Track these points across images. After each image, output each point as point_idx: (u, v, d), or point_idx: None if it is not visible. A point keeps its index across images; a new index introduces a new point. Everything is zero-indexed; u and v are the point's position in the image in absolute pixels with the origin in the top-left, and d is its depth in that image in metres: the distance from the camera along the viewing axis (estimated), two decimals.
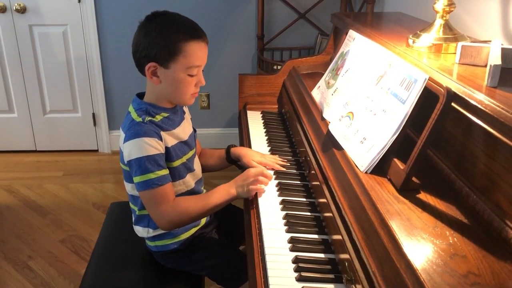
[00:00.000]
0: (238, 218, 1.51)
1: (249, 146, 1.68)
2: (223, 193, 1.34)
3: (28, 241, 2.43)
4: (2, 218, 2.65)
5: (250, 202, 1.33)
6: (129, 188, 1.39)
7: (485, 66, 1.08)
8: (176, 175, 1.37)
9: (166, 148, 1.32)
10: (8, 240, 2.44)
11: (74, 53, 3.19)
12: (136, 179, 1.28)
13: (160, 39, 1.26)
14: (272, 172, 1.45)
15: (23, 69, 3.19)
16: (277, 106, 2.05)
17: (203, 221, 1.50)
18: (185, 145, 1.41)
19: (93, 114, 3.37)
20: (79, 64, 3.22)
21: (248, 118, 1.93)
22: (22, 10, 3.03)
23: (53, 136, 3.41)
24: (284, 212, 1.26)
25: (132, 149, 1.27)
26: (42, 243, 2.42)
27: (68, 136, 3.42)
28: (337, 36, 2.01)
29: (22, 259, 2.29)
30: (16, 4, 3.00)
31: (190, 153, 1.43)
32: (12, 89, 3.25)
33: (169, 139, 1.34)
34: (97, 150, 3.48)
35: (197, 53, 1.29)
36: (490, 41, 1.18)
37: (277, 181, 1.40)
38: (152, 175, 1.27)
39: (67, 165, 3.29)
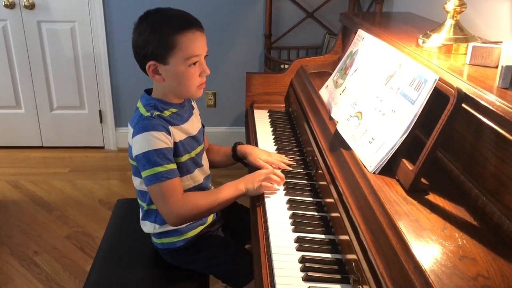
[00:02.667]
0: (244, 217, 1.51)
1: (256, 145, 1.68)
2: (231, 188, 1.34)
3: (34, 236, 2.44)
4: (8, 213, 2.66)
5: (257, 201, 1.33)
6: (138, 183, 1.39)
7: (496, 67, 1.07)
8: (184, 170, 1.37)
9: (174, 143, 1.32)
10: (14, 236, 2.45)
11: (82, 49, 3.19)
12: (145, 173, 1.28)
13: (153, 37, 1.26)
14: (279, 172, 1.45)
15: (30, 65, 3.21)
16: (284, 105, 2.04)
17: (210, 219, 1.50)
18: (194, 140, 1.41)
19: (100, 111, 3.37)
20: (87, 61, 3.22)
21: (255, 117, 1.92)
22: (31, 6, 3.04)
23: (59, 132, 3.42)
24: (291, 212, 1.25)
25: (141, 143, 1.28)
26: (48, 239, 2.42)
27: (74, 133, 3.42)
28: (346, 36, 2.01)
29: (28, 255, 2.30)
30: (24, 0, 3.01)
31: (199, 148, 1.43)
32: (20, 85, 3.27)
33: (178, 134, 1.34)
34: (103, 147, 3.48)
35: (193, 43, 1.28)
36: (501, 42, 1.16)
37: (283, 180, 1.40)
38: (161, 168, 1.27)
39: (74, 161, 3.30)
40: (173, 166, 1.29)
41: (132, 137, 1.30)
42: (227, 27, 3.16)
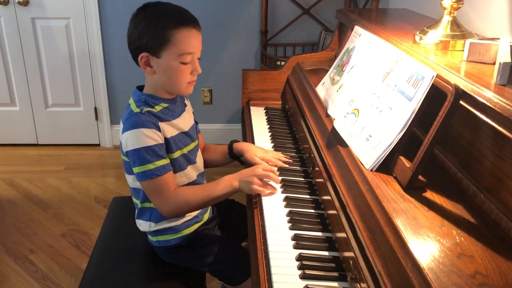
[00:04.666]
0: (240, 215, 1.51)
1: (253, 142, 1.67)
2: (225, 185, 1.33)
3: (29, 235, 2.43)
4: (3, 211, 2.64)
5: (254, 199, 1.32)
6: (130, 181, 1.38)
7: (493, 64, 1.07)
8: (176, 166, 1.36)
9: (166, 139, 1.32)
10: (10, 234, 2.43)
11: (77, 46, 3.17)
12: (135, 169, 1.29)
13: (149, 29, 1.26)
14: (275, 169, 1.44)
15: (25, 63, 3.18)
16: (280, 102, 2.04)
17: (206, 217, 1.49)
18: (187, 136, 1.40)
19: (95, 108, 3.36)
20: (82, 58, 3.20)
21: (252, 114, 1.92)
22: (25, 3, 3.02)
23: (55, 130, 3.40)
24: (288, 209, 1.25)
25: (130, 140, 1.28)
26: (44, 237, 2.41)
27: (70, 130, 3.41)
28: (342, 32, 2.00)
29: (24, 253, 2.29)
30: None
31: (192, 145, 1.43)
32: (14, 82, 3.24)
33: (169, 130, 1.34)
34: (98, 145, 3.47)
35: (188, 40, 1.28)
36: (498, 38, 1.16)
37: (280, 178, 1.39)
38: (151, 166, 1.27)
39: (69, 159, 3.28)
40: (163, 162, 1.29)
41: (122, 133, 1.30)
42: (223, 24, 3.15)
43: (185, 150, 1.39)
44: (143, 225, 1.44)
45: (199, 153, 1.49)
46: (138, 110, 1.30)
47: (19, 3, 3.01)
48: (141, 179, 1.29)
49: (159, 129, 1.29)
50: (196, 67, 1.32)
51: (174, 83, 1.32)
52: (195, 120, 1.51)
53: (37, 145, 3.43)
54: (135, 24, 1.28)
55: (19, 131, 3.38)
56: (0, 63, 3.17)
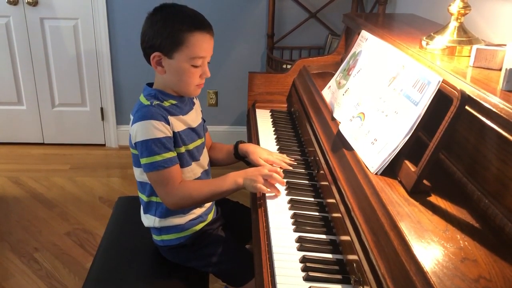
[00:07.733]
0: (244, 216, 1.51)
1: (258, 144, 1.67)
2: (230, 181, 1.35)
3: (34, 233, 2.45)
4: (9, 209, 2.66)
5: (258, 201, 1.33)
6: (138, 174, 1.40)
7: (500, 70, 1.07)
8: (183, 161, 1.38)
9: (174, 133, 1.34)
10: (15, 232, 2.45)
11: (84, 47, 3.20)
12: (143, 160, 1.31)
13: (165, 30, 1.28)
14: (281, 171, 1.44)
15: (33, 62, 3.21)
16: (286, 105, 2.04)
17: (210, 217, 1.50)
18: (194, 132, 1.42)
19: (102, 109, 3.38)
20: (89, 58, 3.22)
21: (257, 116, 1.92)
22: (34, 3, 3.04)
23: (61, 129, 3.42)
24: (292, 212, 1.25)
25: (139, 131, 1.30)
26: (48, 236, 2.43)
27: (76, 130, 3.43)
28: (348, 37, 2.01)
29: (28, 251, 2.30)
30: None
31: (199, 141, 1.44)
32: (22, 82, 3.27)
33: (178, 124, 1.36)
34: (104, 145, 3.48)
35: (201, 44, 1.30)
36: (505, 44, 1.16)
37: (285, 180, 1.40)
38: (158, 157, 1.29)
39: (74, 158, 3.30)
40: (171, 154, 1.31)
41: (131, 125, 1.32)
42: (230, 26, 3.16)
43: (190, 146, 1.41)
44: (148, 220, 1.44)
45: (205, 152, 1.50)
46: (148, 102, 1.33)
47: (28, 3, 3.03)
48: (148, 170, 1.31)
49: (168, 122, 1.32)
50: (206, 71, 1.35)
51: (183, 85, 1.35)
52: (203, 119, 1.52)
53: (43, 144, 3.45)
54: (150, 23, 1.31)
55: (25, 130, 3.40)
56: (8, 62, 3.19)
